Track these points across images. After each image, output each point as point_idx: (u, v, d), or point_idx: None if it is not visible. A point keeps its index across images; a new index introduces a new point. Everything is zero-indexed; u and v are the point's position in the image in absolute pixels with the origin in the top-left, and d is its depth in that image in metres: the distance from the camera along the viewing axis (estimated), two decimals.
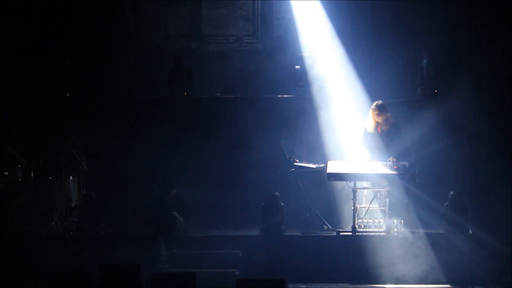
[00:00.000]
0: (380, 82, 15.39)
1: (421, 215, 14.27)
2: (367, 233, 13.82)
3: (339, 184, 14.59)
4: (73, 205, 15.18)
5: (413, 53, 15.63)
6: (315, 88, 15.70)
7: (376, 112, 13.88)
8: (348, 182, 13.92)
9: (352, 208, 13.87)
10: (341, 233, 14.04)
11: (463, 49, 15.58)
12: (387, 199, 13.77)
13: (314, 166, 14.86)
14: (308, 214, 14.78)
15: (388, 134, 13.95)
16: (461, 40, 15.60)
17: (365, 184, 14.07)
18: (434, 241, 13.61)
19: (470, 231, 13.80)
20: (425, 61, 15.73)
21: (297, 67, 15.83)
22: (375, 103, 13.94)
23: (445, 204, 14.02)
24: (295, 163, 14.98)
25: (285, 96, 16.14)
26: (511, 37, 14.98)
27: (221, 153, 16.07)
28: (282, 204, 14.34)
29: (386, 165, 13.76)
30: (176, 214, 14.11)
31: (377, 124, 13.97)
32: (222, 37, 17.19)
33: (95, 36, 16.55)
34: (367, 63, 15.61)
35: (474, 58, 15.43)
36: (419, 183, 13.96)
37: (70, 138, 15.40)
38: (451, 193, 14.05)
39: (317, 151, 15.40)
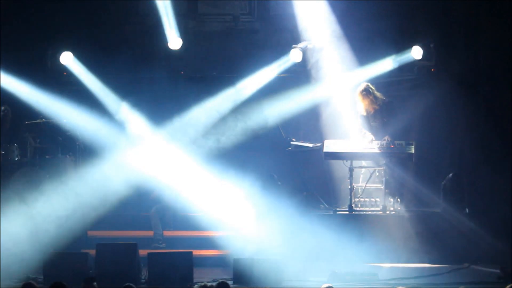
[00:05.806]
0: (377, 60, 15.33)
1: (418, 194, 14.28)
2: (364, 212, 13.85)
3: (336, 163, 14.59)
4: None
5: (410, 30, 15.54)
6: (311, 66, 15.67)
7: (359, 98, 14.01)
8: (344, 161, 13.93)
9: (349, 187, 13.88)
10: (337, 212, 14.06)
11: (460, 26, 15.53)
12: (384, 178, 13.80)
13: (311, 145, 14.86)
14: (305, 193, 14.77)
15: (381, 113, 13.99)
16: (457, 17, 15.54)
17: (362, 163, 14.08)
18: (430, 220, 13.63)
19: (467, 210, 13.82)
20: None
21: (294, 46, 15.77)
22: (358, 88, 14.02)
23: (442, 183, 14.03)
24: (292, 142, 14.97)
25: (281, 74, 16.09)
26: (508, 13, 14.93)
27: (218, 132, 16.04)
28: (279, 183, 14.35)
29: (383, 144, 13.78)
30: None
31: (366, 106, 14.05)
32: (219, 16, 17.08)
33: (91, 16, 16.47)
34: (364, 41, 15.54)
35: (471, 35, 15.40)
36: (416, 161, 13.98)
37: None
38: (450, 175, 14.06)
39: (314, 130, 15.37)
